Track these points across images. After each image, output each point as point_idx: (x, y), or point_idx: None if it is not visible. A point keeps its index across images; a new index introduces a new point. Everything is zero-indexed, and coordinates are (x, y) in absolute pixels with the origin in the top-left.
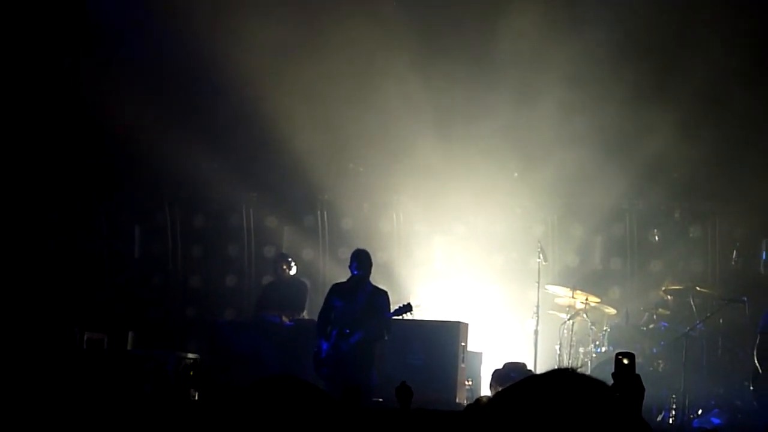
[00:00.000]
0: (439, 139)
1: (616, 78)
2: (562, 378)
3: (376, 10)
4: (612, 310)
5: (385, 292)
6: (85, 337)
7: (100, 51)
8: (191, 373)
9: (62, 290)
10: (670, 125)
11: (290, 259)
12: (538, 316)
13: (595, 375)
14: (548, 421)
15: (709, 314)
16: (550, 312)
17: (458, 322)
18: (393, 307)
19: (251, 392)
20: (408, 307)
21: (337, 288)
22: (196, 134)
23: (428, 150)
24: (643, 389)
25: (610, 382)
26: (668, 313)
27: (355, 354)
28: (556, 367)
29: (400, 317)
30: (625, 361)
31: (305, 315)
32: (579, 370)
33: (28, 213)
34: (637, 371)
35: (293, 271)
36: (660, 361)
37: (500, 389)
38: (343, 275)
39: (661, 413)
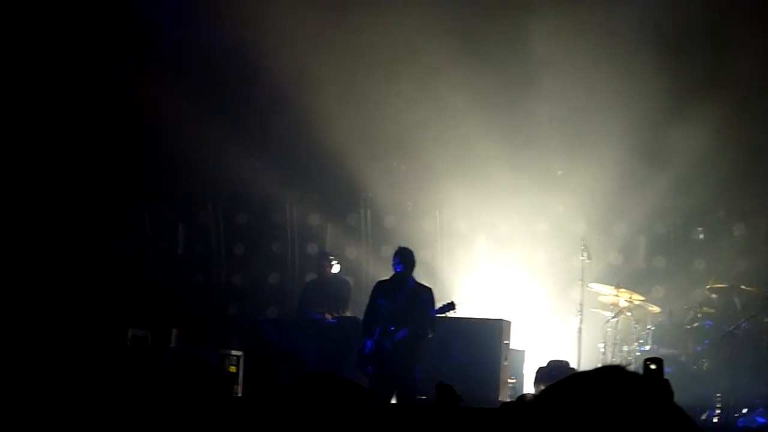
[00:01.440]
0: (483, 137)
1: (659, 75)
2: (612, 375)
3: (421, 4)
4: (656, 309)
5: (429, 289)
6: (130, 334)
7: (142, 48)
8: (234, 369)
9: (107, 288)
10: (714, 122)
11: (332, 258)
12: (581, 315)
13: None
14: (598, 419)
15: (753, 313)
16: (594, 310)
17: (501, 319)
18: (437, 305)
19: (293, 390)
20: (451, 306)
21: (380, 285)
22: (239, 132)
23: (472, 148)
24: (671, 395)
25: None
26: (712, 311)
27: (398, 351)
28: (601, 365)
29: (444, 315)
30: (653, 367)
31: (348, 312)
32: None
33: (74, 212)
34: (681, 370)
35: (336, 270)
36: (704, 360)
37: (543, 387)
38: (386, 273)
39: (705, 412)
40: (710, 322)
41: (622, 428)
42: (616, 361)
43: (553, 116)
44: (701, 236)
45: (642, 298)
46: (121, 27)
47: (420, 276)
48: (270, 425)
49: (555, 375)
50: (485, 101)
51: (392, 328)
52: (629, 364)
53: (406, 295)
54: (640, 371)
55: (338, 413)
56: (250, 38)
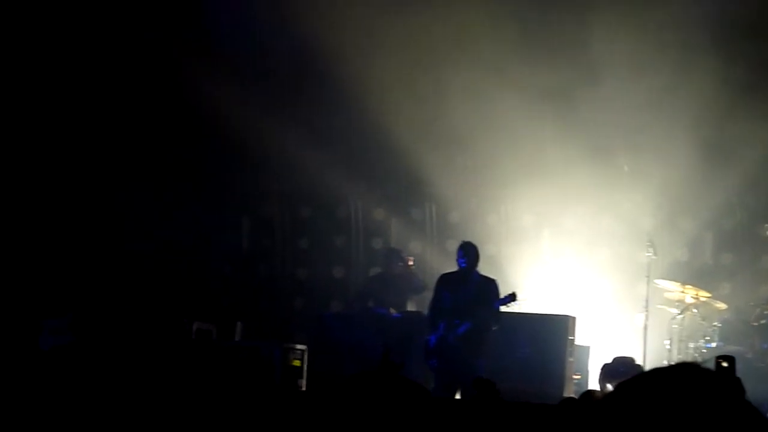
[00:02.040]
0: (548, 132)
1: (728, 66)
2: (688, 373)
3: (476, 6)
4: (722, 306)
5: (494, 281)
6: (195, 328)
7: (209, 46)
8: (298, 363)
9: (172, 282)
10: None
11: (405, 256)
12: (647, 311)
13: None
14: (676, 417)
15: None
16: (660, 306)
17: (566, 315)
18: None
19: (351, 385)
20: (513, 297)
21: (445, 278)
22: (303, 126)
23: (536, 143)
24: (744, 393)
25: None
26: None
27: (462, 345)
28: (668, 362)
29: (506, 307)
30: (725, 365)
31: (413, 306)
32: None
33: (141, 208)
34: (747, 368)
35: (402, 266)
36: None
37: (608, 384)
38: (450, 268)
39: None
40: None
41: (700, 427)
42: (682, 357)
43: (619, 110)
44: None
45: (708, 295)
46: (188, 25)
47: (484, 271)
48: (332, 418)
49: (621, 371)
50: (549, 96)
51: (456, 322)
52: (703, 362)
53: (471, 288)
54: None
55: (393, 409)
56: (315, 37)
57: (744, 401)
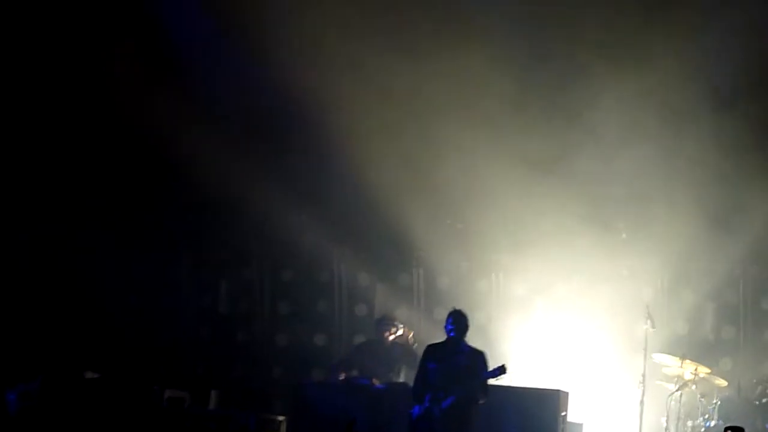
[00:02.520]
0: (544, 197)
1: (734, 132)
2: None
3: (471, 65)
4: (723, 382)
5: (483, 353)
6: (166, 395)
7: (186, 94)
8: None
9: (144, 346)
10: None
11: (398, 325)
12: (644, 387)
13: None
14: None
15: None
16: (657, 382)
17: (558, 390)
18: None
19: None
20: (502, 370)
21: (431, 349)
22: (286, 186)
23: (532, 209)
24: None
25: None
26: None
27: (448, 419)
28: None
29: (494, 379)
30: None
31: (400, 378)
32: None
33: (112, 267)
34: None
35: (399, 333)
36: None
37: None
38: (438, 336)
39: None
40: None
41: None
42: None
43: (618, 177)
44: None
45: (708, 371)
46: (165, 71)
47: (473, 341)
48: None
49: None
50: (545, 160)
51: (442, 394)
52: None
53: (459, 360)
54: None
55: None
56: (302, 90)
57: None
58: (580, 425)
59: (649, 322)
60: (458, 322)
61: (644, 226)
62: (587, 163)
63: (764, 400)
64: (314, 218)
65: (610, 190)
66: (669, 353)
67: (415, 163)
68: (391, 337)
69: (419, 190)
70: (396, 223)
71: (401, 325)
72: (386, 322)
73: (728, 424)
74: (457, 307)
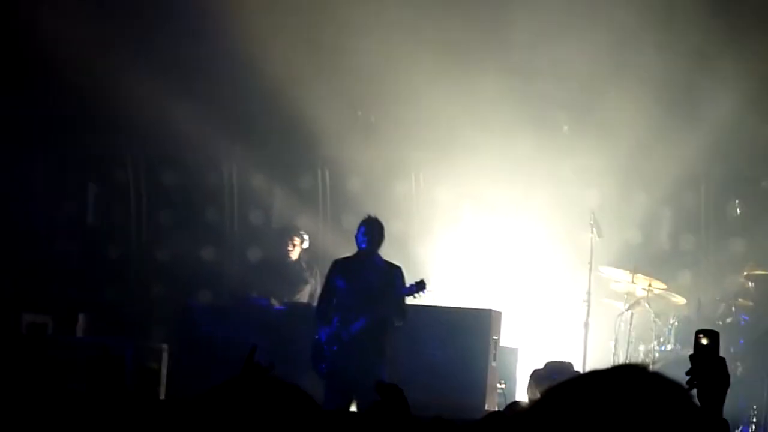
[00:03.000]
0: (471, 85)
1: (698, 10)
2: (629, 377)
3: None
4: (681, 300)
5: (399, 268)
6: (26, 321)
7: None
8: (156, 367)
9: None
10: (757, 75)
11: (302, 234)
12: (588, 306)
13: None
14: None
15: None
16: (605, 300)
17: (489, 310)
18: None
19: (219, 394)
20: (421, 286)
21: (340, 265)
22: (166, 70)
23: (458, 97)
24: (727, 377)
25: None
26: (750, 304)
27: (360, 346)
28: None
29: (413, 298)
30: (705, 342)
31: (302, 298)
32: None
33: None
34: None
35: (305, 245)
36: (738, 364)
37: (539, 394)
38: (347, 248)
39: (738, 428)
40: (747, 318)
41: None
42: (631, 362)
43: (560, 59)
44: (738, 211)
45: (664, 287)
46: None
47: (390, 254)
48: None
49: (556, 380)
50: (474, 44)
51: (352, 317)
52: (650, 365)
53: (373, 277)
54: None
55: (271, 423)
56: None
57: (697, 411)
58: (514, 350)
59: (594, 230)
60: (372, 232)
61: (589, 119)
62: (523, 48)
63: (728, 320)
64: (200, 109)
65: (549, 78)
66: (618, 266)
67: (320, 43)
68: (295, 251)
69: (325, 74)
70: (297, 114)
71: (306, 237)
72: (288, 233)
73: (686, 349)
74: (371, 214)
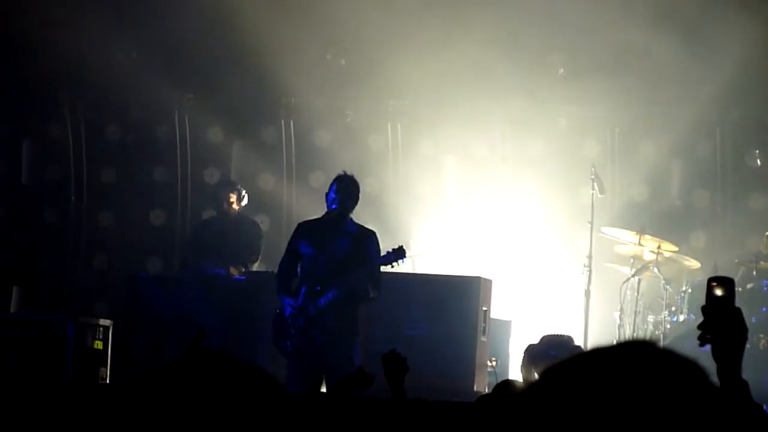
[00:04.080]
0: (451, 23)
1: None
2: (638, 355)
3: None
4: (695, 263)
5: (373, 233)
6: None
7: None
8: (100, 345)
9: None
10: None
11: (240, 189)
12: (590, 271)
13: None
14: (617, 416)
15: None
16: (608, 265)
17: (478, 277)
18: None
19: (167, 376)
20: (399, 253)
21: (306, 228)
22: (104, 9)
23: (437, 39)
24: (745, 330)
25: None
26: None
27: (328, 320)
28: (621, 340)
29: (389, 267)
30: (719, 292)
31: (260, 266)
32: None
33: None
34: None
35: (243, 203)
36: (761, 336)
37: (536, 372)
38: (315, 210)
39: (762, 405)
40: None
41: (654, 427)
42: (639, 335)
43: None
44: (759, 161)
45: (675, 249)
46: None
47: (365, 215)
48: (141, 419)
49: (553, 355)
50: None
51: (319, 288)
52: (660, 340)
53: (344, 243)
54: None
55: (227, 405)
56: None
57: (716, 393)
58: (507, 323)
59: (595, 186)
60: (344, 190)
61: (588, 59)
62: None
63: (749, 286)
64: (146, 54)
65: (539, 11)
66: (623, 227)
67: None
68: (234, 207)
69: (289, 13)
70: (258, 59)
71: (245, 193)
72: (226, 188)
73: (701, 318)
74: (345, 171)
